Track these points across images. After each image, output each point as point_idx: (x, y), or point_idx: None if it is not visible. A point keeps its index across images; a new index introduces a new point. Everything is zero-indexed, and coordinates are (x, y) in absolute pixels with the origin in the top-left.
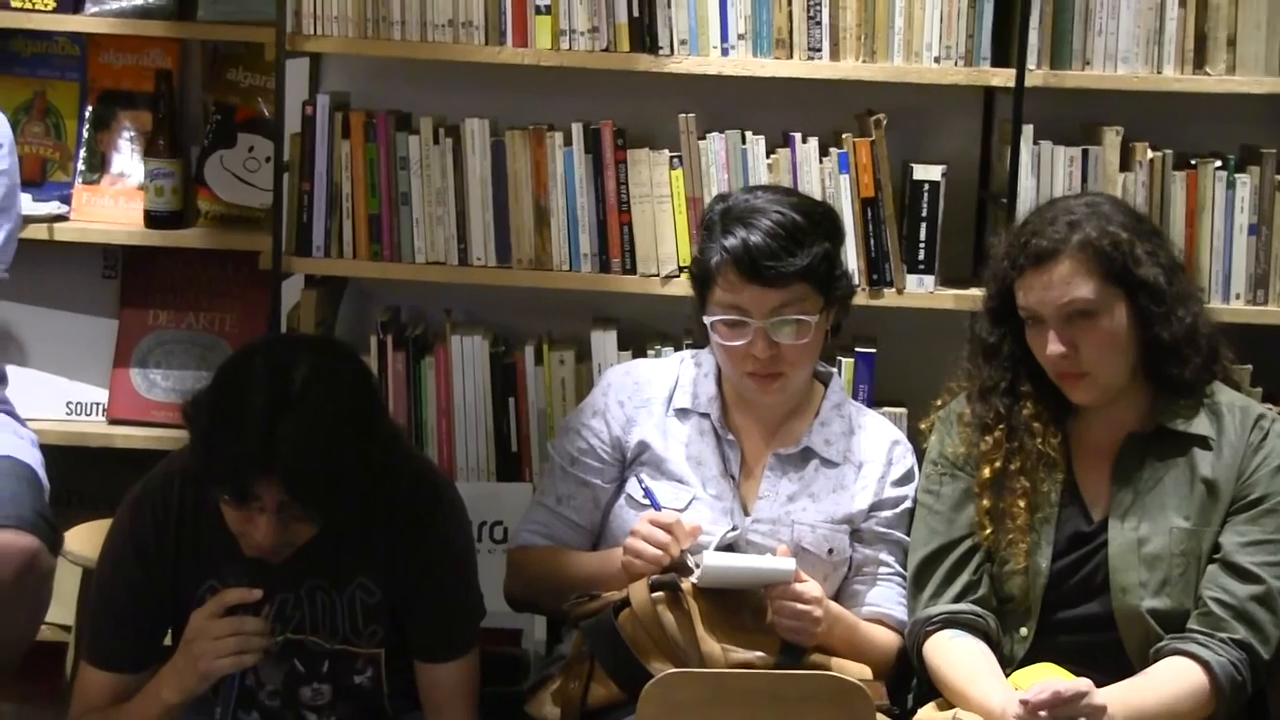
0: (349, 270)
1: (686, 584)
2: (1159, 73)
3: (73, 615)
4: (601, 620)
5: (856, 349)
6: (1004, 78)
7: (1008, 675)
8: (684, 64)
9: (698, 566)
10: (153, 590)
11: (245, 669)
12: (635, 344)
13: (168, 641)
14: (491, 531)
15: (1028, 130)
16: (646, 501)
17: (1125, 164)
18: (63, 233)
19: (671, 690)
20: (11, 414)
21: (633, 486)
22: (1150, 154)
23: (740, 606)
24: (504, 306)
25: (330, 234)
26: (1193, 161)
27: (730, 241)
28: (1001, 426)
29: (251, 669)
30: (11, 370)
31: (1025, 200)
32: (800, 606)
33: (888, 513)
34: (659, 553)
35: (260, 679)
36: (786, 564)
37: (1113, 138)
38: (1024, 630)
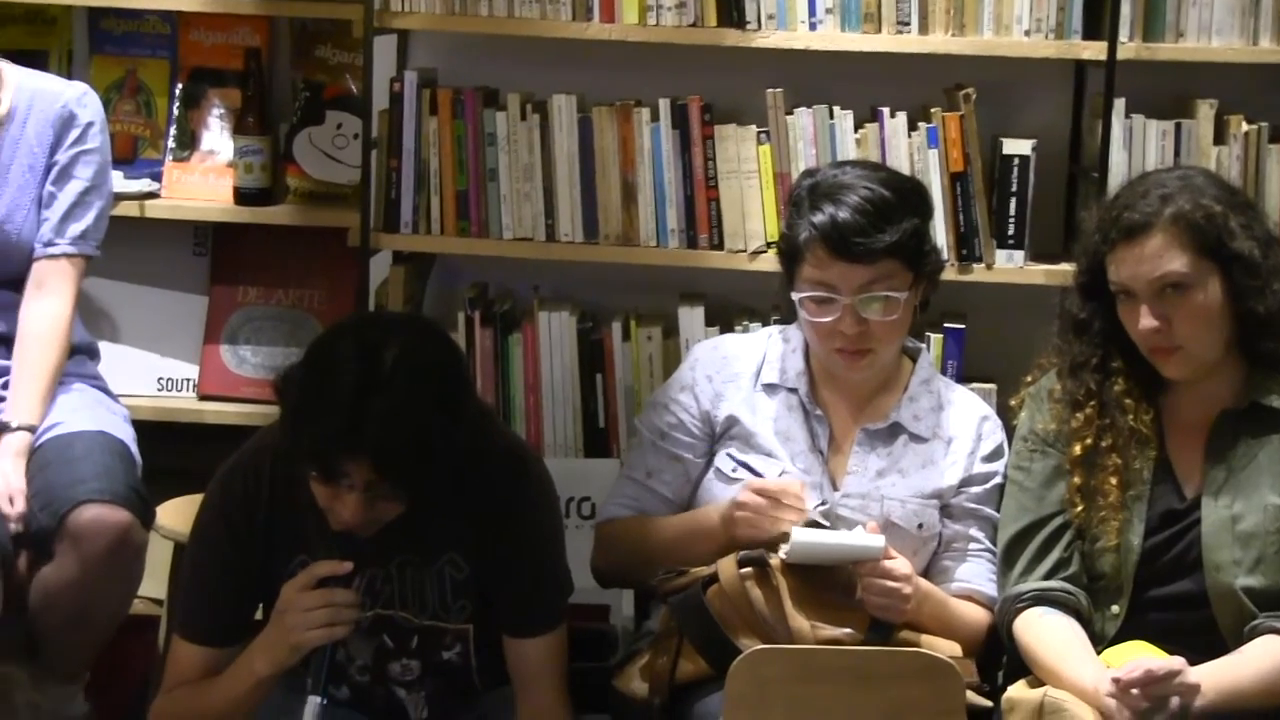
0: (436, 246)
1: (775, 560)
2: (1255, 44)
3: (164, 589)
4: (690, 596)
5: (945, 325)
6: (1095, 50)
7: (1099, 653)
8: (771, 38)
9: (787, 543)
10: (244, 564)
11: (336, 642)
12: (722, 320)
13: (259, 616)
14: (579, 507)
15: (1119, 104)
16: (737, 475)
17: (1219, 137)
18: (154, 210)
19: (759, 666)
20: (104, 390)
21: (722, 461)
22: (1245, 127)
23: (829, 583)
24: (591, 282)
25: (418, 210)
26: None
27: (818, 218)
28: (1093, 403)
29: (342, 643)
30: (103, 346)
31: (1117, 175)
32: (889, 584)
33: (977, 488)
34: (774, 515)
35: (350, 653)
36: (875, 540)
37: (1206, 111)
38: (1115, 608)
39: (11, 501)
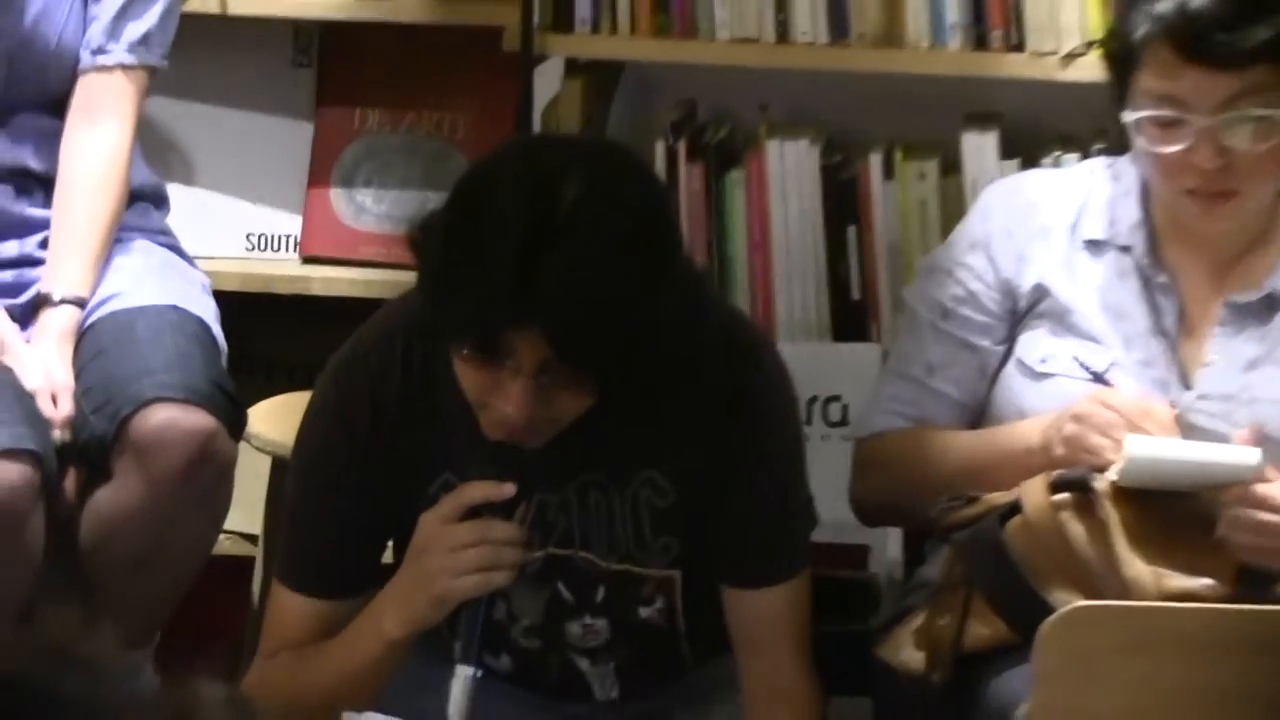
0: (626, 51)
1: (1103, 482)
2: None
3: (260, 521)
4: (983, 532)
5: None
6: None
7: None
8: None
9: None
10: (368, 488)
11: (494, 593)
12: (1024, 150)
13: (388, 558)
14: (825, 411)
15: None
16: (1047, 369)
17: None
18: (239, 5)
19: (1080, 630)
20: (175, 249)
21: (1027, 348)
22: None
23: (1180, 515)
24: (840, 100)
25: (600, 3)
26: None
27: (1163, 6)
28: None
29: (502, 595)
30: (175, 192)
31: None
32: (1266, 516)
33: None
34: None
35: (513, 610)
36: (1248, 456)
37: None
38: None
39: (55, 401)
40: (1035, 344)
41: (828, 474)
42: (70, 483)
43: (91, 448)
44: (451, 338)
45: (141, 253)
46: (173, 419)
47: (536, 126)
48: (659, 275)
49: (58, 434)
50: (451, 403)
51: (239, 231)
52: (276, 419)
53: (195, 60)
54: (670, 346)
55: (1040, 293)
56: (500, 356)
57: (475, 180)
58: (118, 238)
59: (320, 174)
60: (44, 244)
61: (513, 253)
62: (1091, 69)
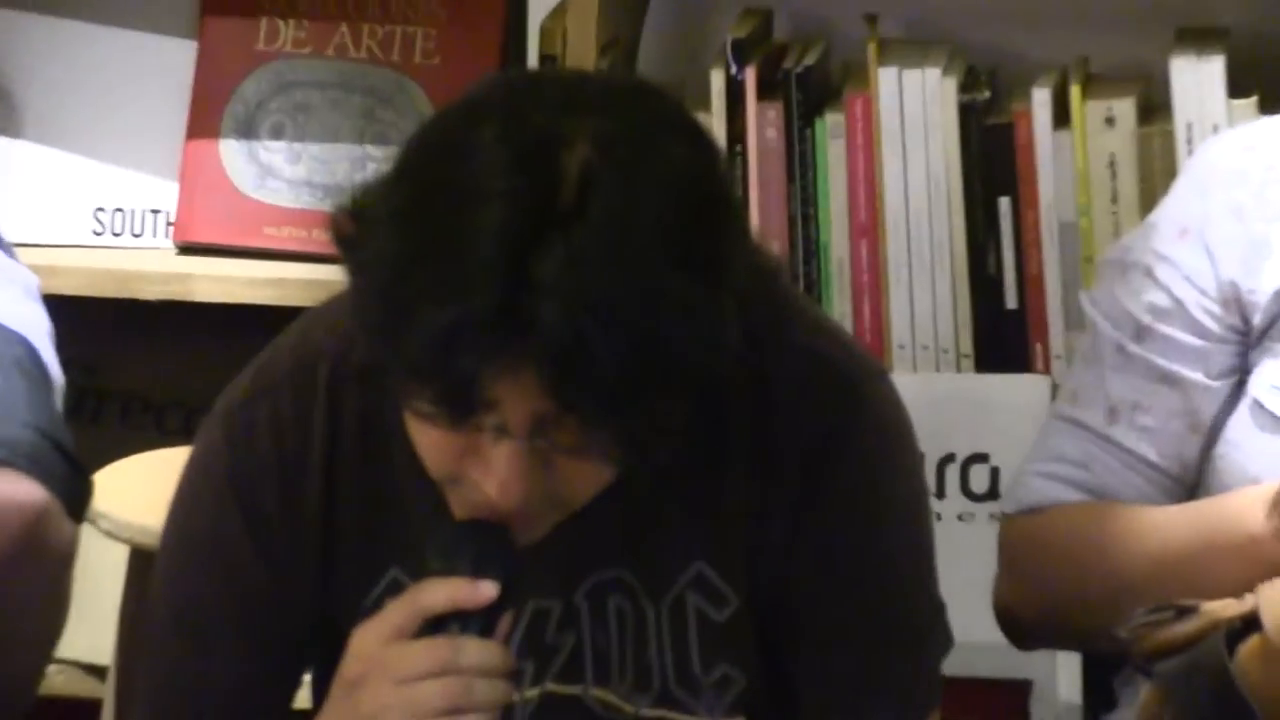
0: None
1: None
2: None
3: (111, 647)
4: (1202, 661)
5: None
6: None
7: None
8: None
9: None
10: (276, 595)
11: None
12: (1264, 85)
13: (304, 702)
14: (965, 477)
15: None
16: None
17: None
18: None
19: None
20: None
21: (1267, 383)
22: None
23: None
24: (988, 7)
25: None
26: None
27: None
28: None
29: None
30: None
31: None
32: None
33: None
34: None
35: None
36: None
37: None
38: None
39: None
40: (1277, 378)
41: (969, 571)
42: None
43: None
44: (403, 380)
45: None
46: None
47: (531, 51)
48: (710, 281)
49: None
50: (402, 464)
51: (83, 206)
52: (137, 489)
53: None
54: (728, 384)
55: None
56: (477, 409)
57: (440, 138)
58: None
59: (205, 119)
60: None
61: (494, 252)
62: None
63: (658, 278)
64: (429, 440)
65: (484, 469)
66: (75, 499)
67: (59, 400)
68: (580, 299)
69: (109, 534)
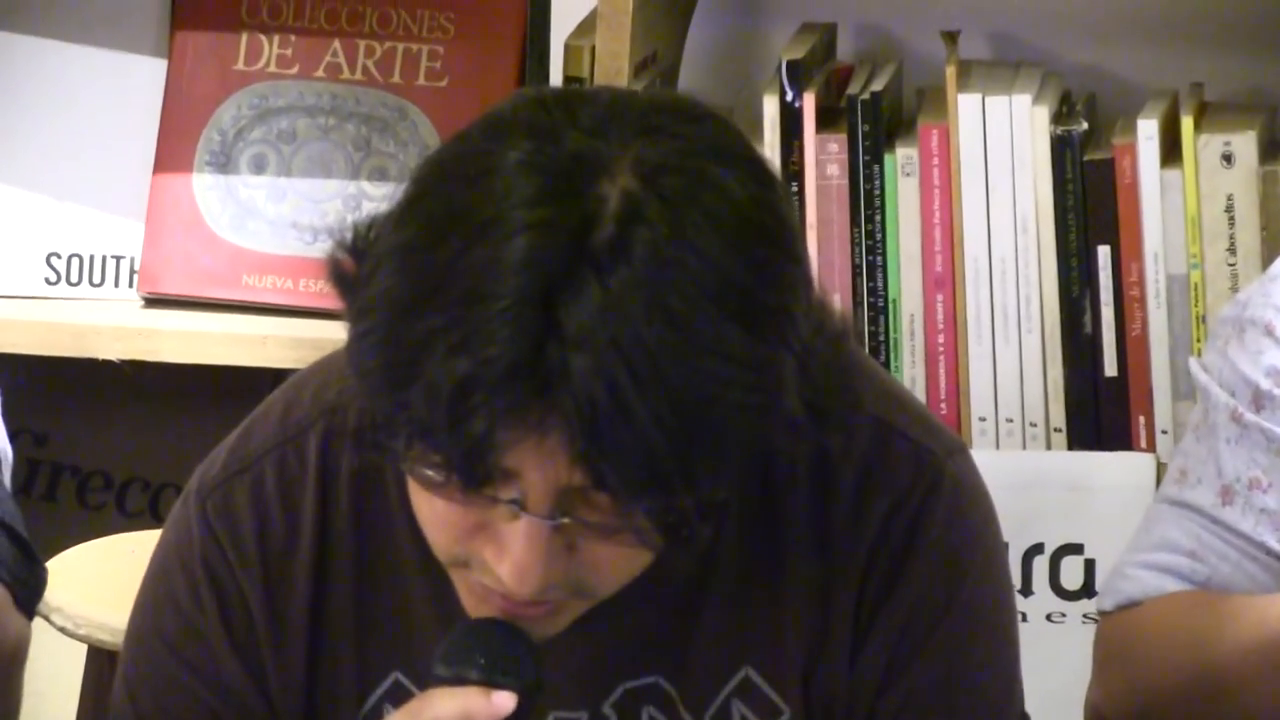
0: None
1: None
2: None
3: None
4: None
5: None
6: None
7: None
8: None
9: None
10: (255, 694)
11: None
12: None
13: None
14: (1054, 571)
15: None
16: None
17: None
18: None
19: None
20: None
21: None
22: None
23: None
24: (1085, 21)
25: None
26: None
27: None
28: None
29: None
30: None
31: None
32: None
33: None
34: None
35: None
36: None
37: None
38: None
39: None
40: None
41: (1059, 679)
42: None
43: None
44: (407, 446)
45: None
46: None
47: (554, 72)
48: (767, 336)
49: None
50: (405, 547)
51: (35, 251)
52: (96, 579)
53: None
54: (784, 459)
55: None
56: (492, 478)
57: (457, 161)
58: None
59: (175, 150)
60: None
61: (517, 295)
62: None
63: (707, 330)
64: (436, 514)
65: (498, 549)
66: (26, 590)
67: (7, 475)
68: (616, 352)
69: (64, 631)
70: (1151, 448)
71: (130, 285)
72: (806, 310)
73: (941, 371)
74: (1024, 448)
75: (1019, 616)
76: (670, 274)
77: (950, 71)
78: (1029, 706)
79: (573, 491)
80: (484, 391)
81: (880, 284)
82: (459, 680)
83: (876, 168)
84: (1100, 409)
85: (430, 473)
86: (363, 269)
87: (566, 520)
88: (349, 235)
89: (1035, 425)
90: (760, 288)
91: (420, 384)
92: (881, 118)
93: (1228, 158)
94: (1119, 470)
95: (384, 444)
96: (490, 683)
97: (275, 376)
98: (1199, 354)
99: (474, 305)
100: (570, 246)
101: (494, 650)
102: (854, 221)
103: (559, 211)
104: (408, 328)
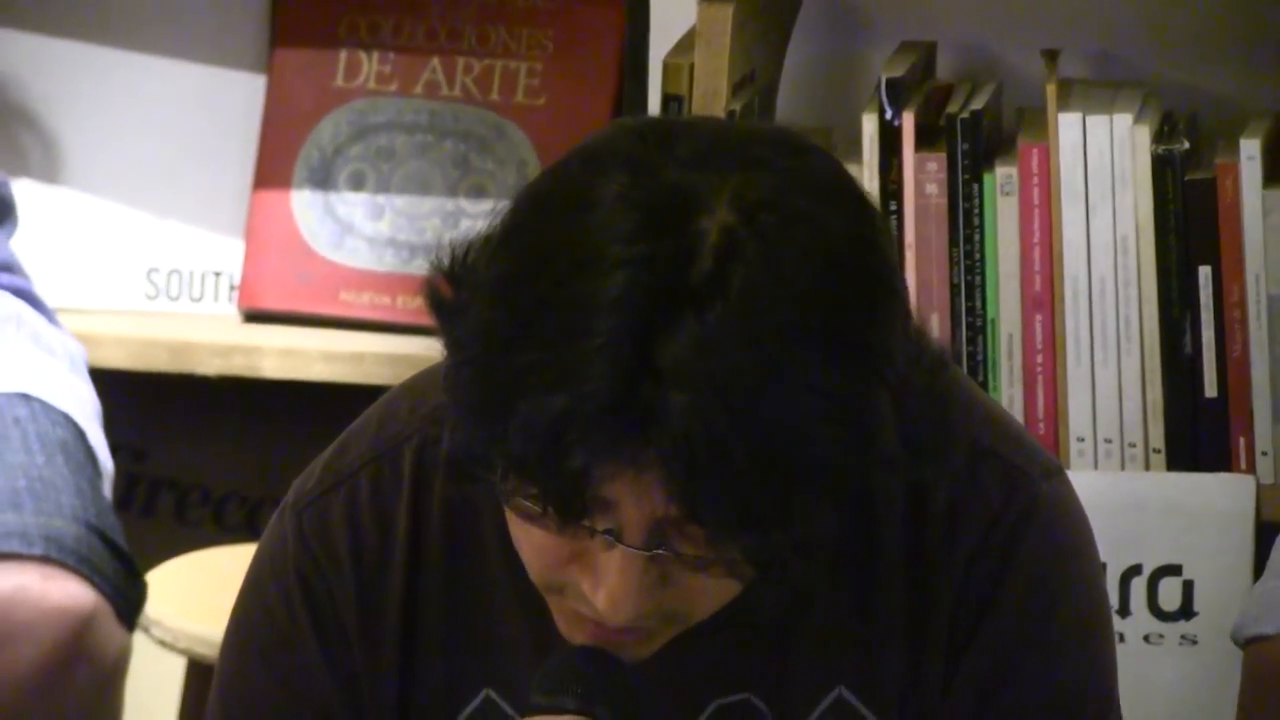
0: None
1: None
2: None
3: None
4: None
5: None
6: None
7: None
8: None
9: None
10: (347, 706)
11: None
12: None
13: None
14: (1153, 593)
15: None
16: None
17: None
18: None
19: None
20: (25, 295)
21: None
22: None
23: None
24: (1186, 38)
25: None
26: None
27: None
28: None
29: None
30: (28, 195)
31: None
32: None
33: None
34: None
35: None
36: None
37: None
38: None
39: None
40: None
41: (1157, 702)
42: None
43: None
44: (505, 476)
45: None
46: (20, 590)
47: (653, 91)
48: (865, 375)
49: None
50: (497, 566)
51: (135, 266)
52: (194, 592)
53: None
54: (881, 485)
55: None
56: (589, 511)
57: (554, 194)
58: None
59: (275, 167)
60: None
61: (615, 331)
62: None
63: (804, 368)
64: (532, 542)
65: (593, 579)
66: (127, 602)
67: (108, 489)
68: (713, 389)
69: (163, 644)
70: (1251, 469)
71: (229, 301)
72: (903, 343)
73: (1040, 392)
74: (1122, 469)
75: (1116, 638)
76: (766, 312)
77: (1051, 90)
78: None
79: (667, 524)
80: (580, 428)
81: (978, 304)
82: (556, 709)
83: (975, 187)
84: (1200, 430)
85: (527, 504)
86: (459, 297)
87: (661, 552)
88: (446, 259)
89: (1134, 446)
90: (856, 325)
91: (516, 420)
92: (981, 137)
93: None
94: (1218, 492)
95: (481, 467)
96: (585, 710)
97: (371, 392)
98: None
99: (570, 341)
100: (667, 282)
101: (590, 679)
102: (952, 241)
103: (656, 247)
104: (504, 362)
